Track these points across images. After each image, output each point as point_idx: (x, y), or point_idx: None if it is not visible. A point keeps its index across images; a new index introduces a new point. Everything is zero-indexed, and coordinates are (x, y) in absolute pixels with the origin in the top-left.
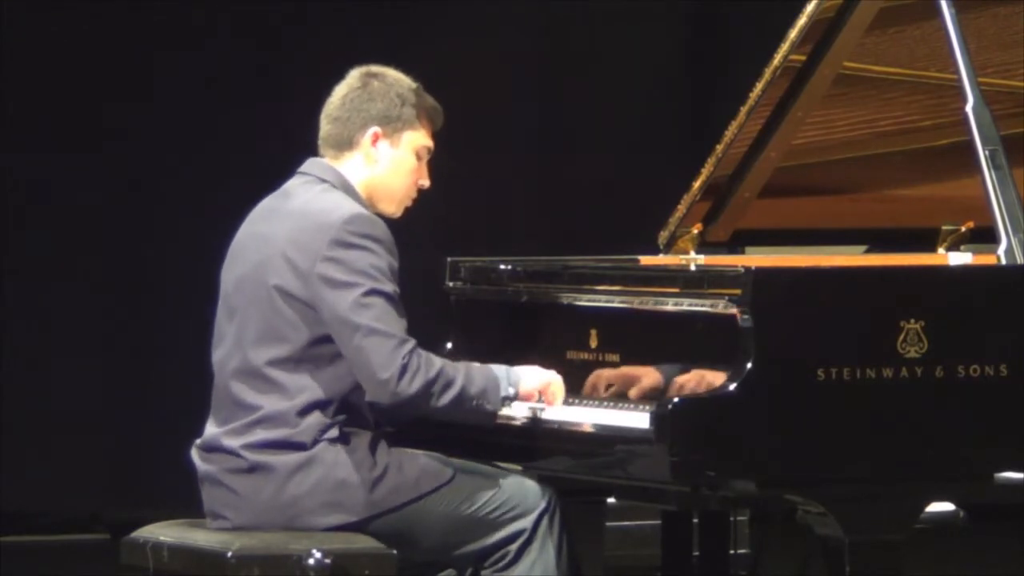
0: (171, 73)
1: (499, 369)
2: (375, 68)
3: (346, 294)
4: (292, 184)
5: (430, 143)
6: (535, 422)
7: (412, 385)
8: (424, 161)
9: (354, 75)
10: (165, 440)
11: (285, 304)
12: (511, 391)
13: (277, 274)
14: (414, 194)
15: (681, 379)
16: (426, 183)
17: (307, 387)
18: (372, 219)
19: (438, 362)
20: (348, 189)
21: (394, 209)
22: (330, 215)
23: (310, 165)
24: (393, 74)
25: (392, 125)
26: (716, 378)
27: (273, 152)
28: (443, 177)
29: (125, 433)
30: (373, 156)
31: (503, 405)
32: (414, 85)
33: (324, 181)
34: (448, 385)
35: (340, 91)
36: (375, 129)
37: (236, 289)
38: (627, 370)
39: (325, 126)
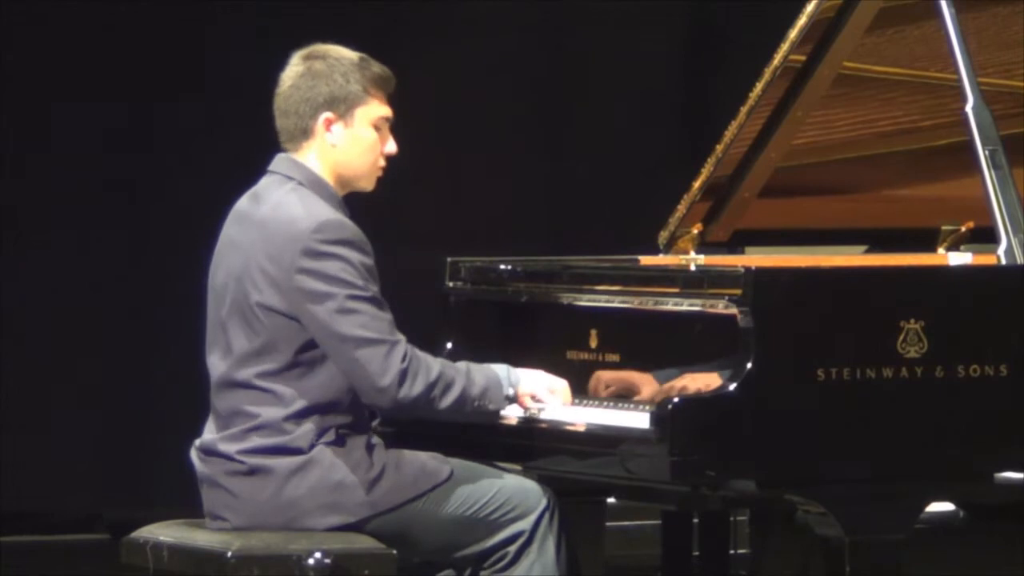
0: (173, 73)
1: (500, 368)
2: (317, 48)
3: (327, 305)
4: (262, 185)
5: (386, 111)
6: (535, 422)
7: (413, 389)
8: (385, 130)
9: (295, 60)
10: (165, 440)
11: (270, 320)
12: (511, 391)
13: (257, 290)
14: (383, 163)
15: (681, 379)
16: (393, 149)
17: (301, 394)
18: (340, 223)
19: (437, 364)
20: (315, 183)
21: (366, 183)
22: (297, 224)
23: (277, 162)
24: (335, 51)
25: (342, 106)
26: (716, 378)
27: (275, 151)
28: (444, 177)
29: (125, 434)
30: (330, 141)
31: (506, 404)
32: (356, 58)
33: (291, 179)
34: (449, 387)
35: (285, 81)
36: (326, 115)
37: (222, 293)
38: (627, 370)
39: (278, 120)
